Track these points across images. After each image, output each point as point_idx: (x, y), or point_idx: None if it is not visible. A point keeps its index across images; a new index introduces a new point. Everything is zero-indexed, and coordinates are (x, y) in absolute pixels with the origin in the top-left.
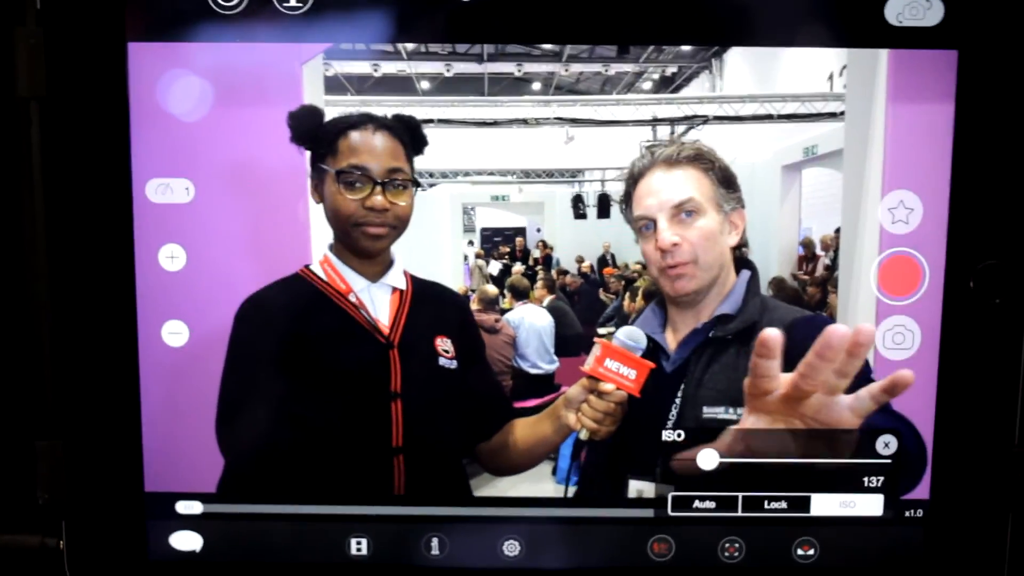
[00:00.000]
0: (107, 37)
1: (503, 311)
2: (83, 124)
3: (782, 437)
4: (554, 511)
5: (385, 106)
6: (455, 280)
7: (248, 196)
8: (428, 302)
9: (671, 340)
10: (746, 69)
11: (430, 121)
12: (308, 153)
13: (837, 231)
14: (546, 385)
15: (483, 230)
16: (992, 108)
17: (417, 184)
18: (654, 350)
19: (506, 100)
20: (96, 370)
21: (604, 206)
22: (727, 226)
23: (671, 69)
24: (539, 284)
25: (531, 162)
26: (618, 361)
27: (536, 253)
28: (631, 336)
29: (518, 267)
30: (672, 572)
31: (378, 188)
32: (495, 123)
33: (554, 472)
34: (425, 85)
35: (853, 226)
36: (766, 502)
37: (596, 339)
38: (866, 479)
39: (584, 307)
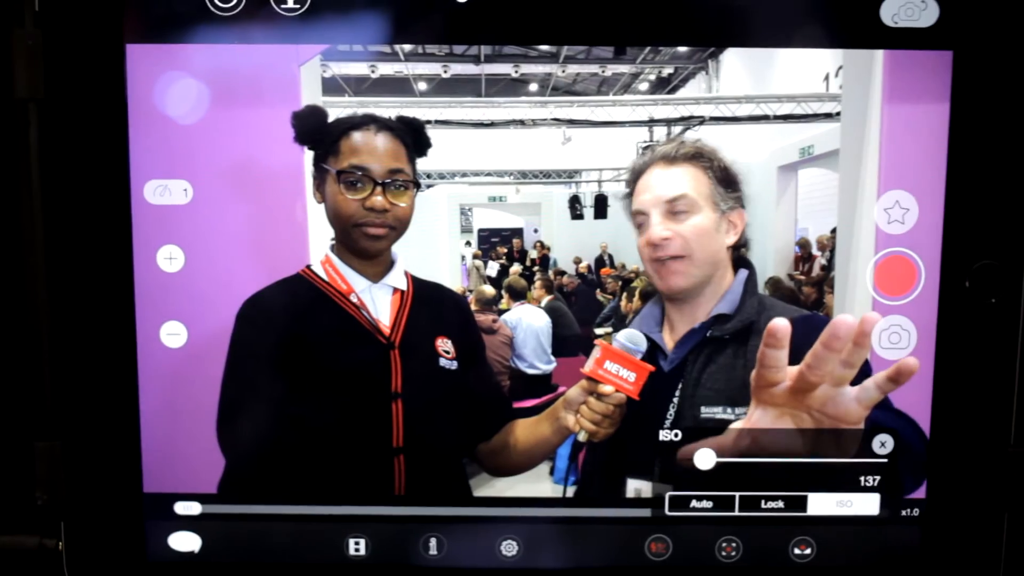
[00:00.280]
0: (105, 39)
1: (501, 311)
2: (81, 126)
3: (787, 434)
4: (552, 511)
5: (382, 107)
6: (453, 281)
7: (246, 197)
8: (429, 303)
9: (668, 339)
10: (742, 70)
11: (428, 122)
12: (310, 153)
13: (833, 231)
14: (543, 385)
15: (480, 231)
16: (987, 108)
17: (418, 185)
18: (652, 350)
19: (503, 101)
20: (95, 371)
21: (601, 207)
22: (725, 225)
23: (667, 70)
24: (537, 284)
25: (528, 163)
26: (618, 363)
27: (533, 254)
28: (631, 339)
29: (516, 268)
30: (669, 572)
31: (378, 189)
32: (492, 124)
33: (551, 473)
34: (422, 86)
35: (849, 226)
36: (763, 501)
37: (596, 341)
38: (862, 478)
39: (581, 308)
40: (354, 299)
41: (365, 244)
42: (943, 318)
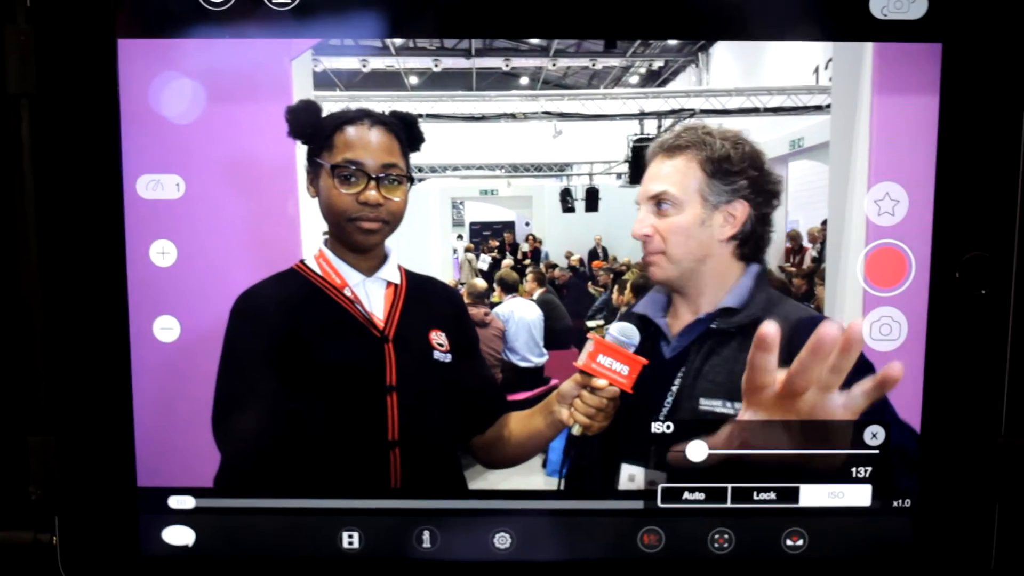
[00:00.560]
0: (97, 34)
1: (492, 305)
2: (73, 121)
3: (777, 434)
4: (545, 503)
5: (374, 101)
6: (445, 274)
7: (238, 192)
8: (422, 296)
9: (673, 326)
10: (732, 63)
11: (420, 116)
12: (304, 148)
13: (824, 223)
14: (536, 378)
15: (472, 224)
16: (976, 100)
17: (411, 180)
18: (655, 334)
19: (494, 95)
20: (88, 366)
21: (592, 200)
22: (719, 218)
23: (658, 63)
24: (528, 278)
25: (519, 156)
26: (611, 357)
27: (525, 247)
28: (624, 332)
29: (507, 261)
30: (662, 563)
31: (372, 183)
32: (483, 118)
33: (544, 465)
34: (414, 80)
35: (839, 218)
36: (755, 493)
37: (589, 335)
38: (854, 470)
39: (573, 300)
40: (348, 293)
41: (359, 238)
42: (933, 309)
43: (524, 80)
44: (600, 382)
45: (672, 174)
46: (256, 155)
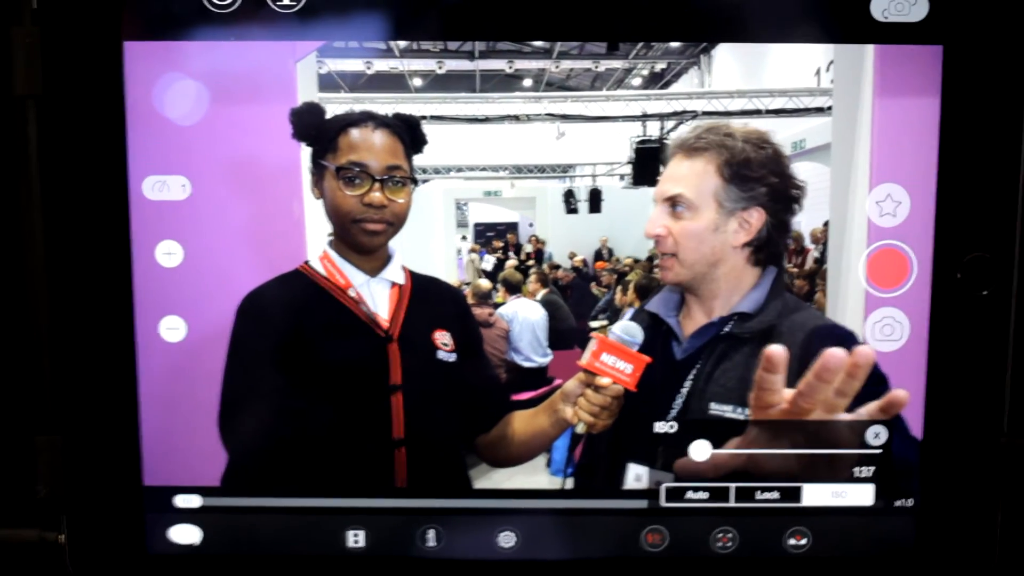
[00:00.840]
0: (103, 36)
1: (496, 305)
2: (80, 122)
3: (781, 440)
4: (549, 503)
5: (378, 103)
6: (449, 275)
7: (244, 193)
8: (426, 296)
9: (686, 326)
10: (734, 65)
11: (423, 118)
12: (307, 150)
13: (826, 224)
14: (539, 378)
15: (476, 225)
16: (977, 102)
17: (415, 181)
18: (666, 334)
19: (497, 96)
20: (95, 366)
21: (595, 201)
22: (734, 223)
23: (660, 65)
24: (532, 278)
25: (523, 158)
26: (614, 355)
27: (528, 248)
28: (627, 331)
29: (511, 261)
30: (665, 562)
31: (376, 185)
32: (487, 119)
33: (548, 464)
34: (418, 82)
35: (841, 219)
36: (758, 492)
37: (592, 334)
38: (857, 469)
39: (576, 301)
40: (352, 294)
41: (364, 240)
42: (935, 310)
43: (527, 82)
44: (604, 380)
45: (689, 176)
46: (261, 157)
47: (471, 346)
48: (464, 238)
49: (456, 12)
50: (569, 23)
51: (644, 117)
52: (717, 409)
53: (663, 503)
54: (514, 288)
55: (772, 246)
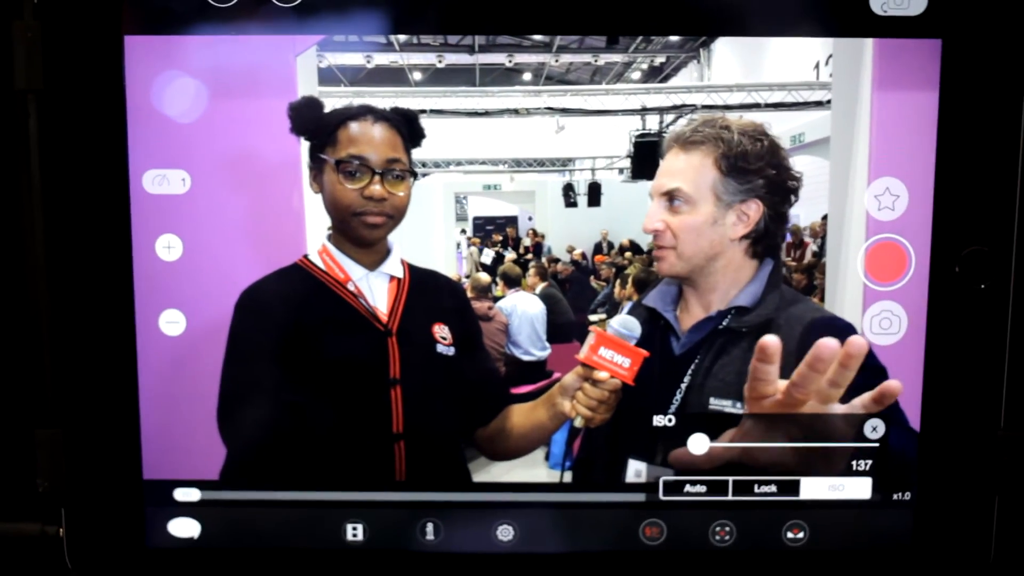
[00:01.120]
0: (104, 31)
1: (496, 299)
2: (80, 117)
3: (778, 432)
4: (547, 496)
5: (378, 97)
6: (449, 268)
7: (244, 187)
8: (425, 290)
9: (684, 320)
10: (733, 59)
11: (423, 111)
12: (306, 144)
13: (824, 218)
14: (538, 371)
15: (475, 219)
16: (976, 96)
17: (414, 175)
18: (664, 329)
19: (497, 90)
20: (95, 359)
21: (595, 195)
22: (732, 216)
23: (659, 59)
24: (531, 272)
25: (522, 151)
26: (612, 349)
27: (527, 241)
28: (625, 324)
29: (510, 255)
30: (664, 556)
31: (376, 178)
32: (486, 113)
33: (547, 458)
34: (417, 76)
35: (840, 213)
36: (756, 486)
37: (591, 327)
38: (854, 463)
39: (575, 294)
40: (351, 287)
41: (364, 233)
42: (933, 303)
43: (527, 76)
44: (602, 375)
45: (686, 170)
46: (261, 151)
47: (470, 340)
48: (463, 231)
49: (456, 6)
50: (569, 17)
51: (643, 111)
52: (716, 404)
53: (661, 496)
54: (513, 282)
55: (769, 238)
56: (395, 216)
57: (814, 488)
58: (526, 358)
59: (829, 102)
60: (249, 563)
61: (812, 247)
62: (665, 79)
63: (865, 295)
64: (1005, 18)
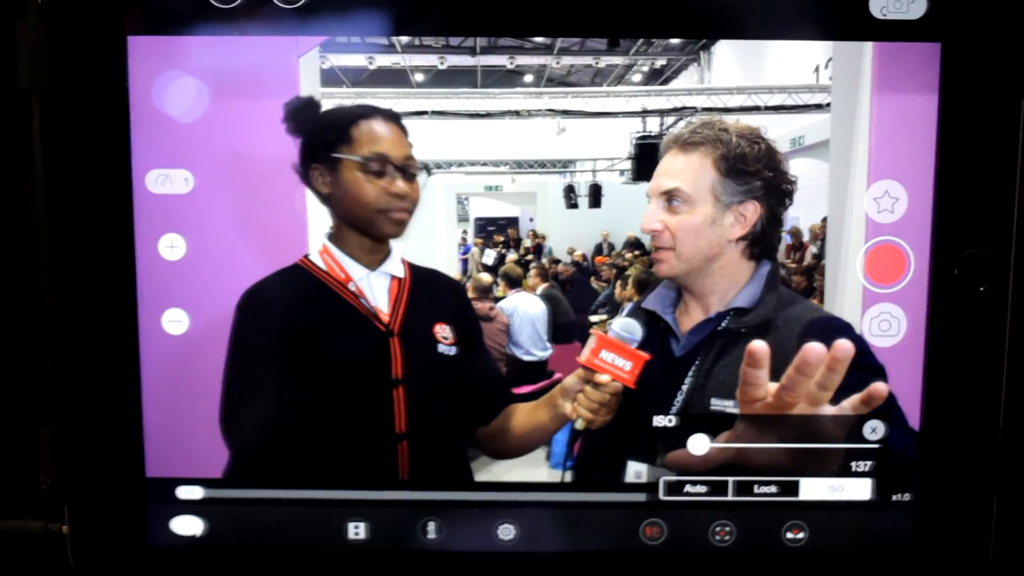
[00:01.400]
0: (107, 31)
1: (497, 299)
2: (84, 117)
3: (777, 433)
4: (549, 496)
5: (380, 98)
6: (451, 269)
7: (246, 187)
8: (426, 289)
9: (683, 322)
10: (734, 62)
11: (424, 113)
12: (299, 143)
13: (824, 220)
14: (540, 372)
15: (477, 220)
16: (975, 99)
17: (428, 170)
18: (664, 331)
19: (499, 92)
20: (98, 358)
21: (595, 196)
22: (730, 218)
23: (660, 62)
24: (532, 272)
25: (523, 153)
26: (613, 353)
27: (527, 242)
28: (626, 328)
29: (511, 256)
30: (664, 555)
31: (399, 174)
32: (488, 115)
33: (548, 458)
34: (419, 77)
35: (840, 215)
36: (756, 486)
37: (592, 330)
38: (854, 464)
39: (576, 295)
40: (352, 287)
41: (389, 229)
42: (933, 306)
43: (528, 78)
44: (603, 378)
45: (685, 170)
46: (263, 151)
47: (471, 339)
48: (465, 232)
49: (458, 8)
50: (570, 19)
51: (644, 113)
52: (718, 405)
53: (662, 496)
54: (514, 282)
55: (766, 240)
56: (412, 211)
57: (814, 489)
58: (527, 358)
59: (829, 105)
60: (251, 561)
61: (812, 249)
62: (666, 82)
63: (864, 297)
64: (1005, 22)
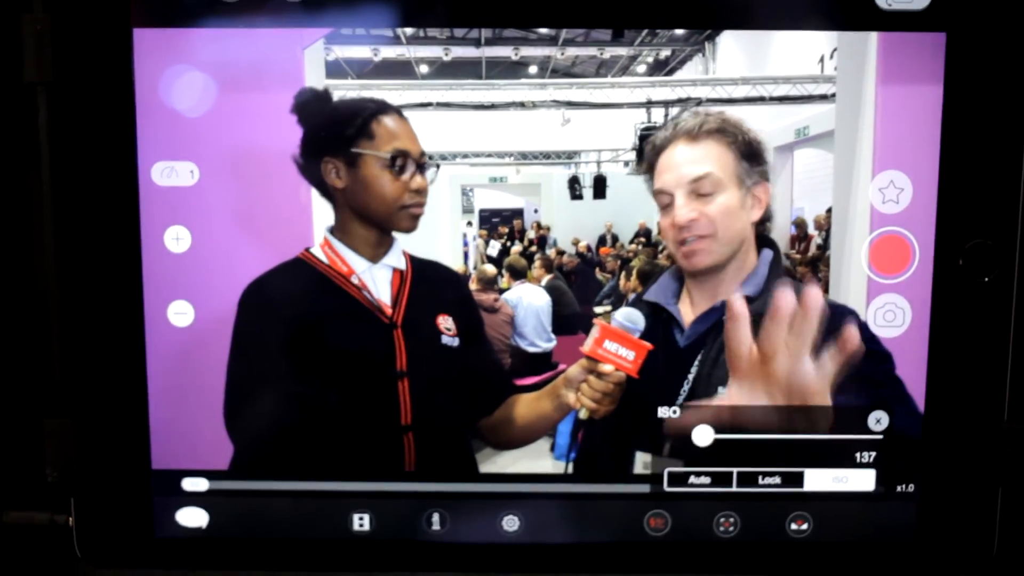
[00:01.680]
0: (113, 23)
1: (501, 291)
2: (90, 109)
3: (783, 417)
4: (552, 487)
5: (385, 90)
6: (456, 260)
7: (251, 179)
8: (427, 281)
9: (686, 313)
10: (739, 52)
11: (429, 104)
12: (303, 135)
13: (829, 211)
14: (544, 363)
15: (482, 211)
16: (980, 89)
17: (437, 165)
18: (667, 321)
19: (503, 83)
20: (104, 350)
21: (600, 187)
22: (749, 200)
23: (665, 52)
24: (537, 264)
25: (528, 144)
26: (616, 342)
27: (531, 234)
28: (629, 318)
29: (515, 248)
30: (668, 546)
31: (418, 170)
32: (493, 106)
33: (552, 449)
34: (424, 69)
35: (844, 206)
36: (760, 477)
37: (595, 320)
38: (858, 455)
39: (581, 286)
40: (355, 280)
41: (408, 224)
42: (937, 296)
43: (533, 69)
44: (606, 367)
45: (708, 157)
46: (268, 143)
47: (473, 330)
48: (469, 224)
49: (463, 0)
50: (575, 10)
51: (648, 104)
52: (724, 392)
53: (666, 488)
54: (518, 274)
55: (771, 223)
56: (425, 205)
57: (818, 479)
58: (532, 350)
59: (834, 95)
60: (257, 553)
61: (816, 240)
62: (670, 72)
63: (869, 288)
64: (1010, 12)
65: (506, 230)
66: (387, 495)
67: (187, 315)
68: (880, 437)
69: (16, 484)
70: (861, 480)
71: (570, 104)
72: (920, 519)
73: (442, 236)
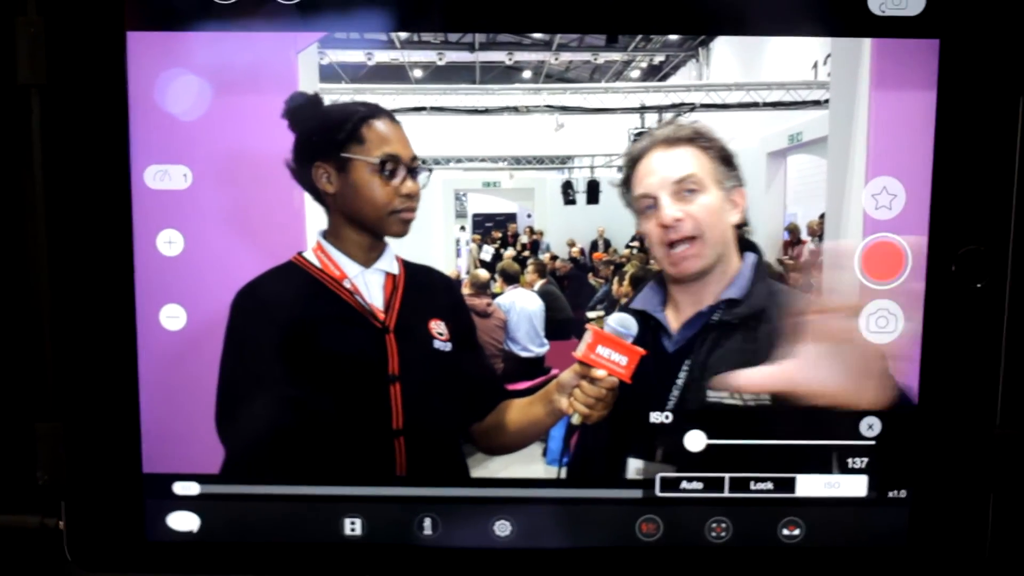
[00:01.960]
0: (107, 26)
1: (494, 295)
2: (83, 112)
3: (774, 420)
4: (544, 492)
5: (379, 94)
6: (448, 265)
7: (244, 182)
8: (420, 286)
9: (673, 319)
10: (732, 58)
11: (423, 108)
12: (295, 140)
13: (822, 217)
14: (537, 368)
15: (475, 216)
16: (973, 96)
17: (430, 169)
18: (655, 329)
19: (497, 88)
20: (95, 353)
21: (593, 192)
22: (728, 204)
23: (659, 58)
24: (529, 269)
25: (522, 149)
26: (609, 348)
27: (524, 239)
28: (622, 323)
29: (508, 252)
30: (660, 552)
31: (409, 175)
32: (486, 111)
33: (544, 454)
34: (418, 73)
35: (837, 212)
36: (752, 483)
37: (587, 326)
38: (850, 460)
39: (574, 291)
40: (347, 285)
41: (398, 229)
42: (930, 303)
43: (527, 74)
44: (599, 372)
45: (688, 159)
46: (262, 147)
47: (465, 335)
48: (463, 228)
49: (457, 4)
50: (569, 15)
51: (642, 109)
52: (714, 396)
53: (658, 493)
54: (511, 278)
55: (748, 227)
56: (416, 210)
57: (810, 485)
58: (524, 355)
59: (827, 101)
60: (248, 557)
61: (809, 245)
62: (664, 78)
63: (862, 293)
64: (1003, 18)
65: (499, 235)
66: (379, 500)
67: (179, 319)
68: (872, 443)
69: (6, 487)
70: (853, 486)
71: (564, 109)
72: (912, 524)
73: (435, 240)
